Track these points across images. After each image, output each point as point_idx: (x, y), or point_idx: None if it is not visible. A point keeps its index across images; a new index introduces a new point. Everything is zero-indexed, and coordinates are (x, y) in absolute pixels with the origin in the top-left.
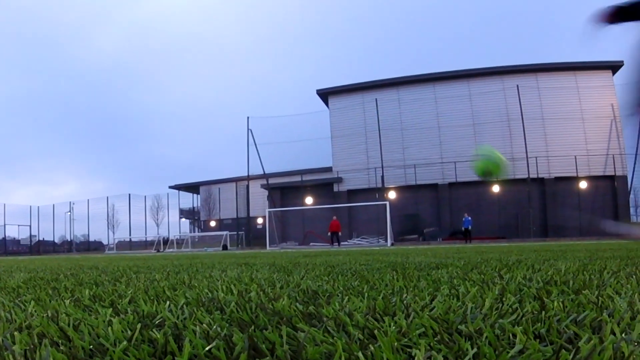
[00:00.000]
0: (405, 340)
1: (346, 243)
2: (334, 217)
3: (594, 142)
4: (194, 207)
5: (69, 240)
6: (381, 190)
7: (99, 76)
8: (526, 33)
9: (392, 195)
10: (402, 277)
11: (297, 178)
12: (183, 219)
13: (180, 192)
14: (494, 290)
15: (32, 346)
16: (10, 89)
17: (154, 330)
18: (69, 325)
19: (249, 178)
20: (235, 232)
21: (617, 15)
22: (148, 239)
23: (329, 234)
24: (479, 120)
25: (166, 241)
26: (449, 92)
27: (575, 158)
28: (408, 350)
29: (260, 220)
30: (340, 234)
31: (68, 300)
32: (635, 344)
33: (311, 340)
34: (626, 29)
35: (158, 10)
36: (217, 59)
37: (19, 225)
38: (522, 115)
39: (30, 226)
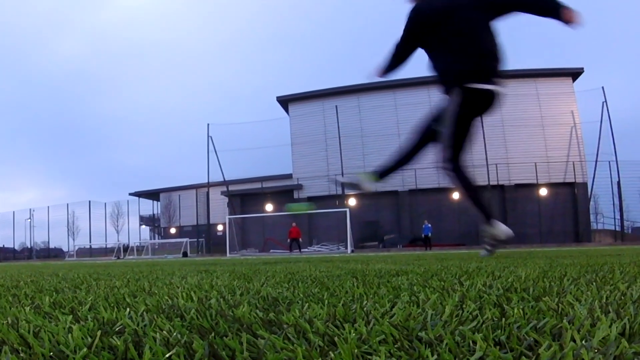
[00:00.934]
0: (366, 347)
1: (306, 250)
2: (293, 224)
3: (554, 149)
4: (154, 214)
5: (29, 247)
6: (341, 197)
7: (60, 82)
8: None
9: (352, 202)
10: (362, 284)
11: (257, 185)
12: (143, 226)
13: (141, 199)
14: (454, 297)
15: None
16: None
17: (114, 337)
18: (29, 332)
19: (209, 185)
20: (195, 239)
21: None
22: (108, 245)
23: (289, 240)
24: None
25: (126, 248)
26: (409, 99)
27: (535, 165)
28: (368, 357)
29: (220, 227)
30: (300, 240)
31: (28, 307)
32: (596, 350)
33: (271, 347)
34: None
35: (119, 16)
36: (178, 65)
37: None
38: (481, 122)
39: None
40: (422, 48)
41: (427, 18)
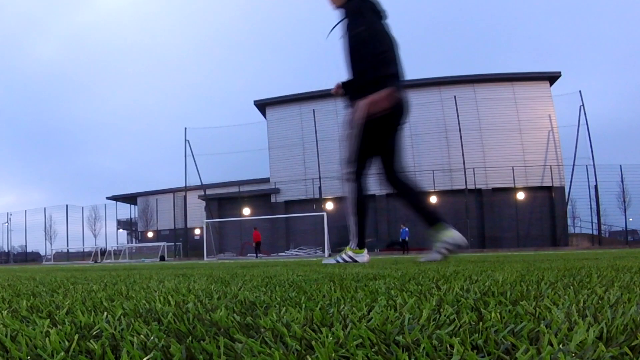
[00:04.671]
0: (343, 351)
1: (284, 254)
2: (255, 228)
3: (532, 153)
4: (131, 218)
5: (6, 251)
6: (318, 201)
7: (36, 86)
8: (464, 44)
9: (329, 206)
10: (339, 288)
11: (235, 189)
12: (120, 230)
13: (118, 203)
14: (432, 301)
15: None
16: None
17: (91, 341)
18: (6, 336)
19: (186, 189)
20: (172, 243)
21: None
22: (85, 249)
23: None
24: (417, 131)
25: (103, 252)
26: None
27: (513, 169)
28: None
29: (197, 231)
30: (254, 244)
31: (5, 311)
32: (573, 354)
33: (248, 351)
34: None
35: (96, 19)
36: (156, 68)
37: None
38: (459, 126)
39: None
40: None
41: None
